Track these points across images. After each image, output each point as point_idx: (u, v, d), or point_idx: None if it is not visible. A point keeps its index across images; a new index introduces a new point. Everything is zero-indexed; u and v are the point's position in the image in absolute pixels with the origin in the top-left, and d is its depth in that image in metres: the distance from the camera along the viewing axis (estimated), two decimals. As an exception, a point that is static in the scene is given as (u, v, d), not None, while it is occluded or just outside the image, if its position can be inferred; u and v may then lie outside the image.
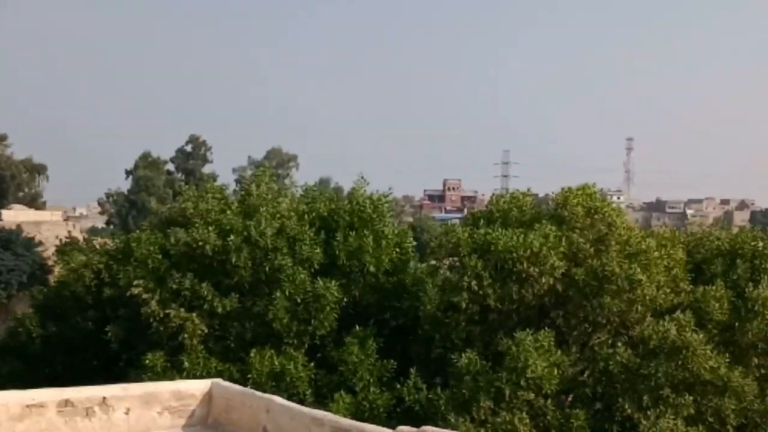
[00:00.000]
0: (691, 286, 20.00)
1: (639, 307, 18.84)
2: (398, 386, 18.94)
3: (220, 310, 19.75)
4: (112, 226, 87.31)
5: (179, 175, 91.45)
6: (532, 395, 17.74)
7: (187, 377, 17.96)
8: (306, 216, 21.25)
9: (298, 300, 19.57)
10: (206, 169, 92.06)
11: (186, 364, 19.35)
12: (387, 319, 20.98)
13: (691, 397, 17.97)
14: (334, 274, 20.27)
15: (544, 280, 18.70)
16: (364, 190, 21.79)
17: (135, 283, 20.18)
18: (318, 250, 20.27)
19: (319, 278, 19.79)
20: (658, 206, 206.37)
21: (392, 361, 19.54)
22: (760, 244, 20.97)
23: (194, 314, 19.69)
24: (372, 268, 20.51)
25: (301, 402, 16.62)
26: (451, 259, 20.49)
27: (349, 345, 19.46)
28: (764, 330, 18.93)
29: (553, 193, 21.71)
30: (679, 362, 17.87)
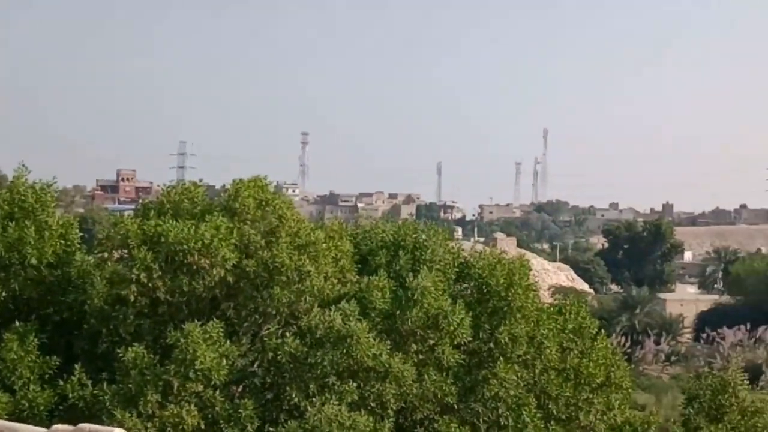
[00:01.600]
0: (358, 277, 20.75)
1: (308, 298, 19.30)
2: (61, 383, 18.21)
3: None
4: None
5: None
6: (200, 387, 17.70)
7: None
8: (-41, 206, 19.90)
9: (-50, 295, 18.35)
10: None
11: None
12: (50, 314, 20.05)
13: (354, 384, 18.64)
14: (-8, 267, 19.16)
15: (215, 272, 18.71)
16: (26, 179, 20.69)
17: None
18: (-28, 242, 19.07)
19: (-26, 272, 18.64)
20: (331, 199, 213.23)
21: (55, 357, 18.75)
22: (422, 236, 22.07)
23: None
24: (34, 261, 19.52)
25: (-49, 404, 15.57)
26: (121, 251, 19.98)
27: (8, 341, 18.42)
28: (422, 318, 19.95)
29: (226, 185, 21.73)
30: (344, 350, 18.49)
